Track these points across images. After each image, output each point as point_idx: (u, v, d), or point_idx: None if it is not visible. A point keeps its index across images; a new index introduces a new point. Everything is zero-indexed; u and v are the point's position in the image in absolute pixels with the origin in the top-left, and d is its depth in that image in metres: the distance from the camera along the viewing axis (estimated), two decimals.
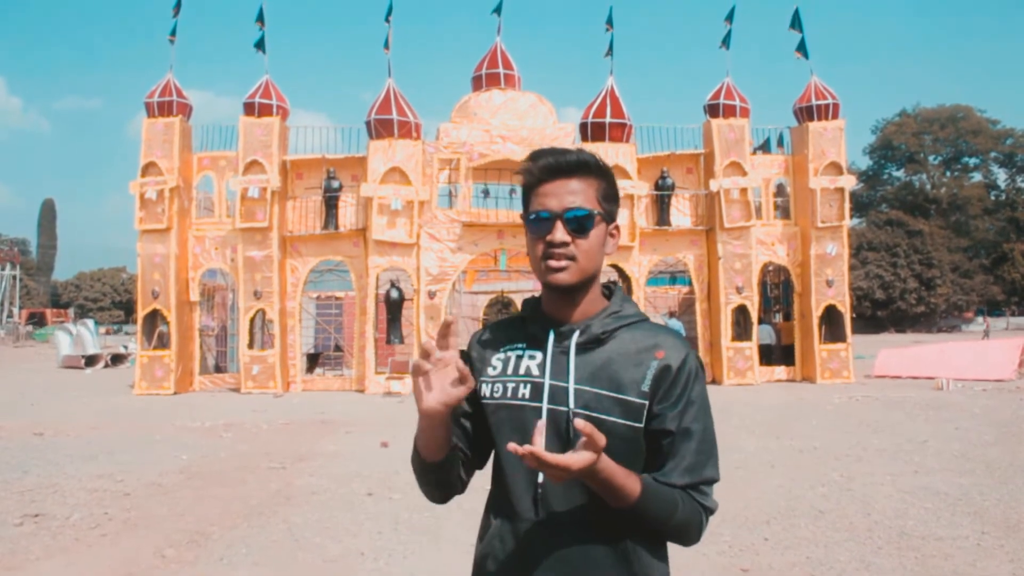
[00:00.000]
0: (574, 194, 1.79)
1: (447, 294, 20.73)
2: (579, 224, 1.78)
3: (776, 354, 22.41)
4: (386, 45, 21.42)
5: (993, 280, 65.67)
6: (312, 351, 23.66)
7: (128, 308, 75.42)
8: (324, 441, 12.04)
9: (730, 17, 22.53)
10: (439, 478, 1.86)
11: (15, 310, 64.03)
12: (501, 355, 1.90)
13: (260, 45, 21.57)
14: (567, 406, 1.77)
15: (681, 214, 22.12)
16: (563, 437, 1.75)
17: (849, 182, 21.91)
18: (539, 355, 1.84)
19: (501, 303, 31.87)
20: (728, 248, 21.19)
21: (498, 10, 22.39)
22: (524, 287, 27.54)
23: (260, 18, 21.55)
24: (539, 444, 1.55)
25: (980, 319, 62.82)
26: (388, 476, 9.00)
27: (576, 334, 1.82)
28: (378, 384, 19.72)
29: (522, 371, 1.85)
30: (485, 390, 1.88)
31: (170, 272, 20.21)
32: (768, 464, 9.75)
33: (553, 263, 1.78)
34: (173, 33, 21.50)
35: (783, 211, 22.49)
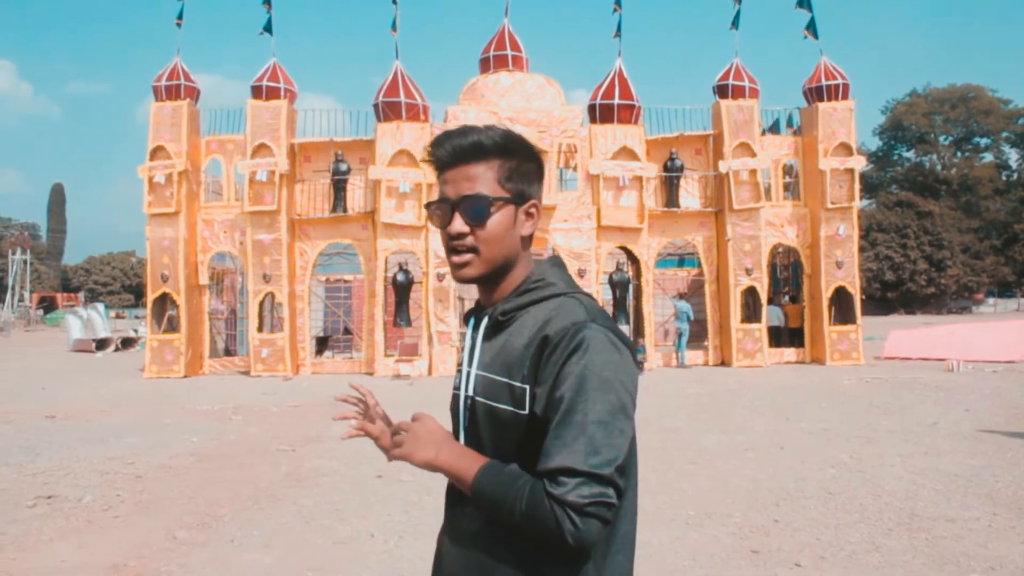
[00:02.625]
0: (470, 180, 1.70)
1: None
2: (474, 213, 1.68)
3: (785, 336, 22.36)
4: (393, 27, 21.33)
5: (1004, 261, 65.37)
6: (321, 334, 23.77)
7: (138, 292, 75.81)
8: (333, 424, 12.07)
9: None
10: None
11: (26, 294, 64.26)
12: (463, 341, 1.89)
13: (267, 28, 21.50)
14: (469, 392, 1.74)
15: (690, 196, 22.03)
16: (474, 425, 1.73)
17: (859, 163, 21.79)
18: (470, 342, 1.82)
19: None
20: (737, 230, 21.11)
21: None
22: None
23: (267, 0, 21.48)
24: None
25: (990, 300, 62.71)
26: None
27: (485, 319, 1.77)
28: (387, 367, 19.76)
29: (463, 359, 1.83)
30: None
31: (179, 256, 20.25)
32: (777, 446, 9.74)
33: (455, 258, 1.71)
34: (180, 16, 21.45)
35: (792, 192, 22.39)
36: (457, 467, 1.64)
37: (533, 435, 1.58)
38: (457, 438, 1.76)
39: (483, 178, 1.70)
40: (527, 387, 1.60)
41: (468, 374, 1.75)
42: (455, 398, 1.81)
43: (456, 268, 1.72)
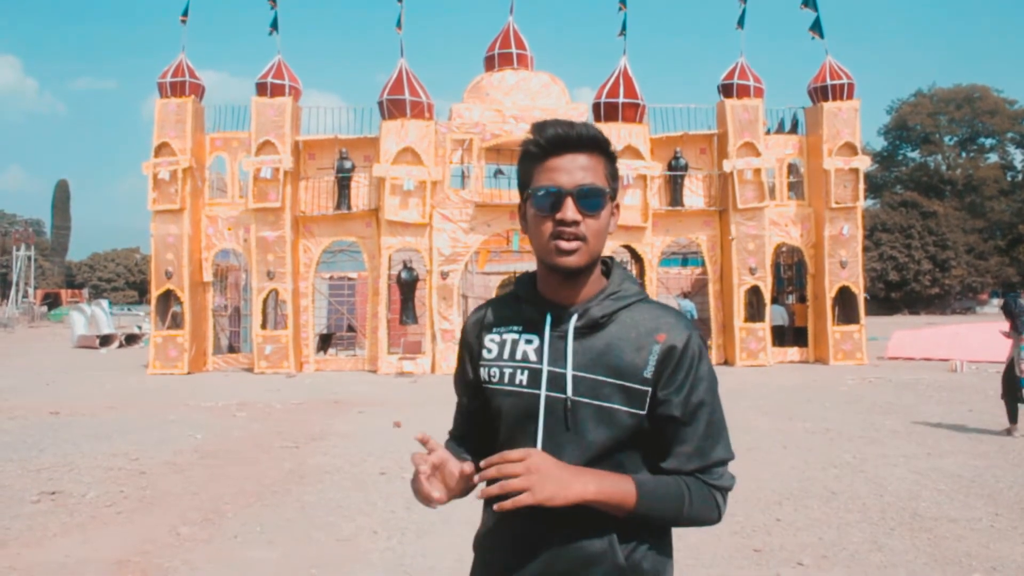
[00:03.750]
0: (585, 170, 1.70)
1: (460, 274, 20.73)
2: (591, 202, 1.70)
3: (789, 335, 22.35)
4: (398, 25, 21.36)
5: (1008, 262, 65.24)
6: (325, 331, 23.79)
7: (142, 288, 75.88)
8: (337, 421, 12.10)
9: None
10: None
11: (30, 290, 64.44)
12: (496, 336, 1.84)
13: (273, 25, 21.52)
14: (565, 393, 1.71)
15: (694, 195, 22.02)
16: (563, 425, 1.71)
17: (864, 163, 21.76)
18: (536, 340, 1.77)
19: (526, 278, 31.87)
20: (741, 229, 21.10)
21: None
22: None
23: None
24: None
25: (995, 300, 62.56)
26: (401, 456, 9.03)
27: (574, 318, 1.74)
28: (391, 364, 19.78)
29: (519, 356, 1.78)
30: (483, 374, 1.84)
31: (183, 252, 20.28)
32: (780, 445, 9.74)
33: (564, 244, 1.69)
34: (185, 13, 21.48)
35: (797, 192, 22.37)
36: (611, 494, 1.64)
37: (642, 433, 1.72)
38: (528, 440, 1.74)
39: (596, 171, 1.72)
40: (649, 389, 1.69)
41: (558, 375, 1.73)
42: (527, 397, 1.76)
43: (564, 254, 1.69)
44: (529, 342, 1.78)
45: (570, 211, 1.68)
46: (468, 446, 1.94)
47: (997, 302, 61.71)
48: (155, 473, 8.43)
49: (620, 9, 22.00)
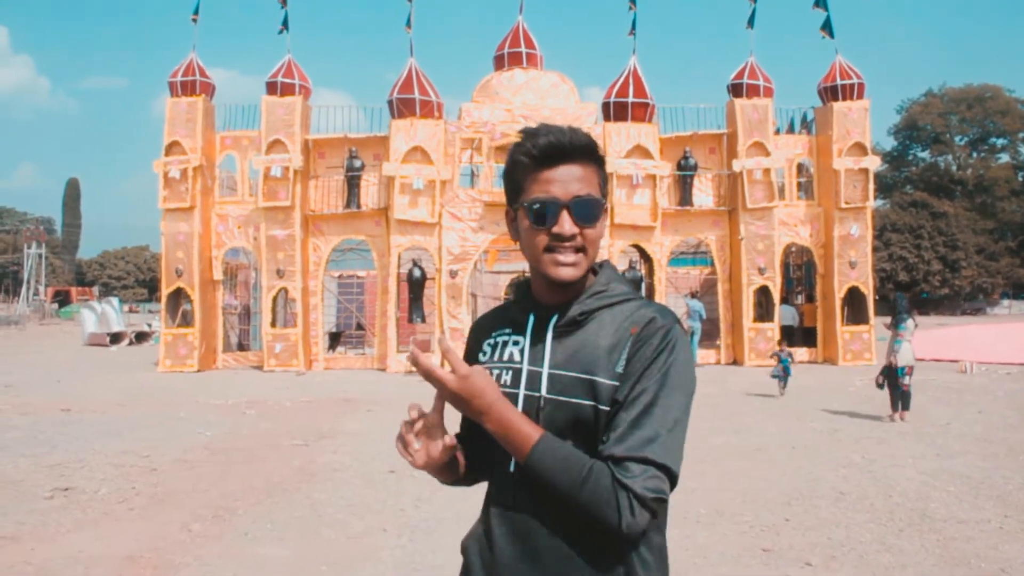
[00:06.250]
0: (580, 181, 1.68)
1: (468, 273, 20.75)
2: (588, 214, 1.67)
3: (798, 335, 22.30)
4: (408, 24, 21.37)
5: (1019, 263, 64.93)
6: (334, 330, 23.85)
7: (152, 286, 76.20)
8: (346, 419, 12.14)
9: None
10: (464, 483, 1.93)
11: (41, 288, 64.63)
12: (491, 340, 1.85)
13: (283, 24, 21.58)
14: (539, 391, 1.70)
15: (703, 194, 22.00)
16: (537, 422, 1.66)
17: (873, 163, 21.68)
18: (521, 340, 1.78)
19: (523, 283, 31.91)
20: (751, 229, 21.07)
21: None
22: None
23: None
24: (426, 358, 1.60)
25: (1005, 302, 62.34)
26: None
27: (555, 317, 1.74)
28: (399, 363, 19.81)
29: (506, 357, 1.79)
30: None
31: (193, 251, 20.36)
32: (789, 446, 9.74)
33: (562, 258, 1.67)
34: (196, 12, 21.57)
35: (806, 192, 22.34)
36: (518, 426, 1.60)
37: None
38: None
39: (590, 180, 1.70)
40: (617, 384, 1.63)
41: (535, 373, 1.72)
42: (508, 397, 1.71)
43: (563, 267, 1.67)
44: (516, 343, 1.79)
45: (567, 225, 1.65)
46: (466, 445, 1.88)
47: (1008, 303, 61.72)
48: (166, 470, 8.49)
49: (630, 8, 21.98)
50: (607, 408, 1.62)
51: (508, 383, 1.75)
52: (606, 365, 1.65)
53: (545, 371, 1.70)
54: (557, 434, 1.63)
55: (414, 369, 1.66)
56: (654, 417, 1.57)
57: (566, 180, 1.67)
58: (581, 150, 1.69)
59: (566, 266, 1.67)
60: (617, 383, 1.62)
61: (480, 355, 1.86)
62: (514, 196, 1.74)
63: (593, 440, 1.62)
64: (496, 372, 1.77)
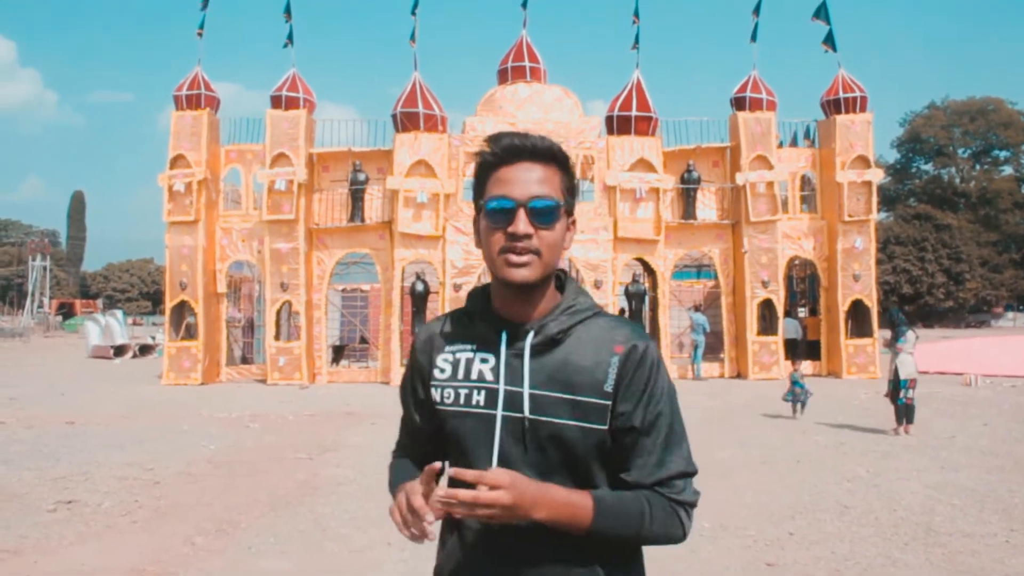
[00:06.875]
0: (540, 182, 1.65)
1: (472, 287, 20.71)
2: (545, 215, 1.64)
3: (802, 349, 22.25)
4: (412, 38, 21.47)
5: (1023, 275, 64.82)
6: (338, 343, 23.82)
7: (156, 299, 76.18)
8: (349, 432, 12.13)
9: (757, 10, 22.38)
10: None
11: (45, 300, 64.78)
12: (447, 356, 1.76)
13: (288, 38, 21.69)
14: (522, 413, 1.65)
15: (707, 208, 22.01)
16: (521, 446, 1.65)
17: (877, 176, 21.70)
18: (492, 358, 1.71)
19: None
20: (754, 242, 21.07)
21: (525, 4, 22.37)
22: None
23: (287, 11, 21.69)
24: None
25: (1009, 314, 62.19)
26: None
27: (531, 335, 1.68)
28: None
29: (474, 376, 1.71)
30: (435, 395, 1.76)
31: (198, 264, 20.40)
32: (793, 459, 9.72)
33: (514, 258, 1.63)
34: (201, 27, 21.69)
35: (810, 205, 22.34)
36: (568, 502, 1.58)
37: (600, 449, 1.67)
38: (483, 462, 1.66)
39: (551, 182, 1.67)
40: (609, 403, 1.65)
41: (515, 394, 1.67)
42: (483, 417, 1.69)
43: (515, 267, 1.63)
44: (484, 361, 1.71)
45: (522, 224, 1.62)
46: (413, 463, 1.85)
47: (1013, 316, 61.59)
48: (169, 483, 8.49)
49: (633, 23, 22.08)
50: (602, 427, 1.65)
51: (482, 403, 1.69)
52: (591, 384, 1.65)
53: (526, 391, 1.66)
54: (541, 451, 1.65)
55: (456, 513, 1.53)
56: (676, 434, 1.69)
57: (526, 180, 1.64)
58: (543, 152, 1.68)
59: (518, 267, 1.63)
60: (607, 402, 1.65)
61: (435, 371, 1.76)
62: (478, 198, 1.72)
63: (575, 454, 1.65)
64: (464, 392, 1.71)
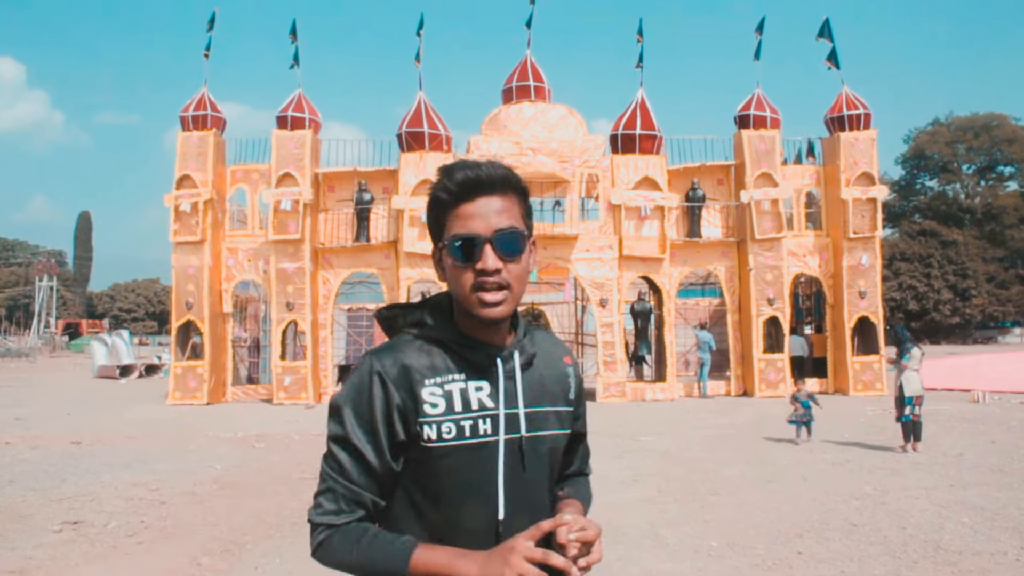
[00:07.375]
0: (500, 214, 1.63)
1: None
2: (511, 248, 1.63)
3: (808, 366, 22.19)
4: (417, 58, 21.59)
5: None
6: (343, 363, 23.81)
7: (162, 319, 76.39)
8: None
9: (760, 28, 22.46)
10: None
11: (51, 320, 64.98)
12: (435, 389, 1.66)
13: (294, 59, 21.83)
14: (519, 432, 1.68)
15: (712, 225, 22.03)
16: (520, 464, 1.68)
17: (881, 192, 21.73)
18: (486, 385, 1.68)
19: (531, 315, 31.88)
20: (759, 259, 21.06)
21: (529, 23, 22.50)
22: (554, 299, 27.51)
23: (293, 32, 21.85)
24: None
25: (1016, 330, 61.94)
26: None
27: (517, 356, 1.71)
28: None
29: (475, 406, 1.66)
30: (430, 432, 1.63)
31: (203, 284, 20.45)
32: (801, 477, 9.67)
33: (488, 296, 1.62)
34: (208, 48, 21.83)
35: (815, 222, 22.34)
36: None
37: (566, 445, 1.87)
38: (484, 490, 1.66)
39: (511, 212, 1.65)
40: (572, 409, 1.85)
41: (513, 416, 1.68)
42: (488, 445, 1.67)
43: (490, 306, 1.62)
44: (479, 389, 1.68)
45: (491, 259, 1.61)
46: (366, 519, 1.73)
47: (1020, 332, 61.34)
48: (175, 503, 8.47)
49: (637, 41, 22.17)
50: (568, 431, 1.84)
51: (489, 432, 1.66)
52: (563, 393, 1.83)
53: (522, 411, 1.69)
54: (536, 465, 1.74)
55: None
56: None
57: (486, 214, 1.63)
58: (499, 181, 1.65)
59: (494, 306, 1.62)
60: (571, 408, 1.84)
61: (426, 407, 1.64)
62: (437, 235, 1.70)
63: (556, 460, 1.82)
64: (469, 423, 1.65)
